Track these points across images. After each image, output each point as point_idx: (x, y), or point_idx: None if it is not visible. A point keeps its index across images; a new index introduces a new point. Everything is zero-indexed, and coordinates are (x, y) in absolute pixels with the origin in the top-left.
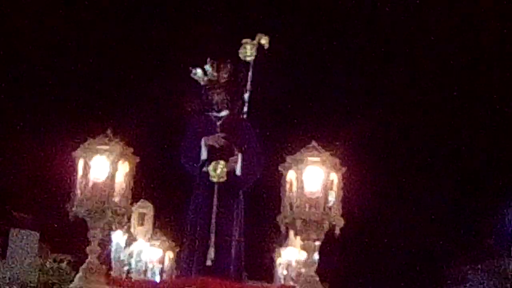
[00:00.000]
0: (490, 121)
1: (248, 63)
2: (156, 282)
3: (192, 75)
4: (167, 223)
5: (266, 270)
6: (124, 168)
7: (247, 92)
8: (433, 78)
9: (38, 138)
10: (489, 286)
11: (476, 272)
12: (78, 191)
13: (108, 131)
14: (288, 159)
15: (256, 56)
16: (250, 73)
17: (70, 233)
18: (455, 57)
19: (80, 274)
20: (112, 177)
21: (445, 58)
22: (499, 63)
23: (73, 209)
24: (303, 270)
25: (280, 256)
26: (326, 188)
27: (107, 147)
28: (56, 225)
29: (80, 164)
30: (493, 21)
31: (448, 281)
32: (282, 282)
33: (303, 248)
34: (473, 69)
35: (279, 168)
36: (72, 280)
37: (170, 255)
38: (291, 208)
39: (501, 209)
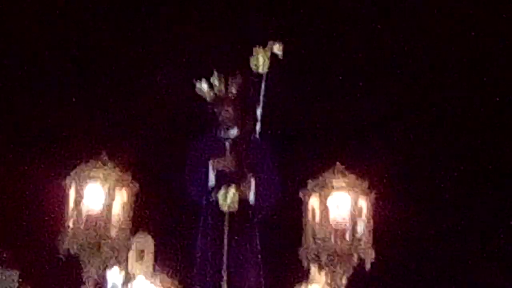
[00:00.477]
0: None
1: (260, 74)
2: None
3: (196, 89)
4: (170, 259)
5: None
6: (121, 197)
7: (260, 107)
8: (464, 95)
9: (19, 165)
10: None
11: None
12: (70, 224)
13: (103, 155)
14: (310, 183)
15: (269, 66)
16: (262, 86)
17: (52, 273)
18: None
19: None
20: (108, 207)
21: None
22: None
23: (64, 244)
24: None
25: None
26: (354, 216)
27: (101, 172)
28: (37, 263)
29: (72, 192)
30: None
31: None
32: None
33: (329, 285)
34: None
35: (300, 194)
36: None
37: None
38: (314, 240)
39: None
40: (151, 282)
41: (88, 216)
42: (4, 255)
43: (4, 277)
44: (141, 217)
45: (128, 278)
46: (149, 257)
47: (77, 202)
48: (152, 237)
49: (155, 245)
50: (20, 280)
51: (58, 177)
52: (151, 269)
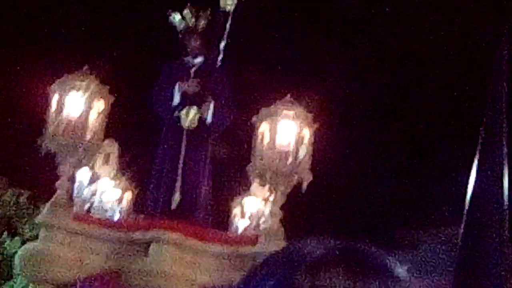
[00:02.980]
0: (446, 94)
1: (227, 12)
2: (120, 221)
3: (170, 19)
4: (131, 165)
5: (222, 218)
6: (98, 106)
7: (224, 41)
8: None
9: (6, 67)
10: (440, 251)
11: (429, 237)
12: (51, 126)
13: (85, 68)
14: (262, 111)
15: (236, 5)
16: (228, 23)
17: (31, 168)
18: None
19: (47, 208)
20: (86, 114)
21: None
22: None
23: (45, 143)
24: (262, 220)
25: (239, 205)
26: (298, 143)
27: (83, 83)
28: (16, 160)
29: (55, 99)
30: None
31: (402, 244)
32: (239, 231)
33: (271, 199)
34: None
35: (253, 119)
36: (30, 215)
37: (128, 196)
38: (261, 159)
39: (455, 180)
40: (114, 184)
41: (68, 121)
42: None
43: None
44: (112, 125)
45: (94, 178)
46: (114, 161)
47: (59, 108)
48: (119, 144)
49: (120, 151)
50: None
51: (44, 85)
52: (114, 172)
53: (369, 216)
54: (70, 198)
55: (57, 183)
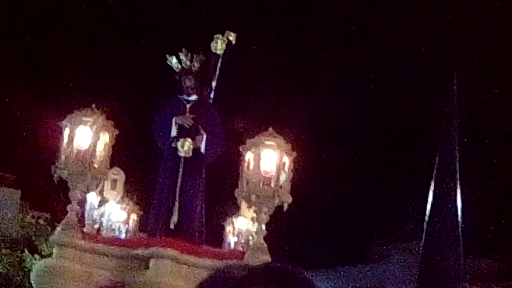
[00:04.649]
0: (414, 108)
1: (218, 55)
2: (124, 239)
3: (168, 62)
4: (136, 189)
5: (216, 237)
6: (104, 138)
7: (215, 80)
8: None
9: (27, 105)
10: (409, 264)
11: (399, 251)
12: (63, 156)
13: (93, 105)
14: (248, 142)
15: (225, 50)
16: (219, 64)
17: (48, 193)
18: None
19: (59, 228)
20: (94, 145)
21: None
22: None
23: (58, 171)
24: (250, 238)
25: (230, 224)
26: (279, 169)
27: (91, 118)
28: (36, 185)
29: (66, 132)
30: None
31: (373, 258)
32: (232, 247)
33: (256, 219)
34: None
35: (240, 149)
36: (48, 234)
37: (134, 217)
38: (247, 184)
39: (421, 196)
40: (120, 207)
41: (78, 151)
42: (8, 176)
43: (7, 196)
44: (117, 155)
45: (102, 202)
46: (120, 187)
47: (70, 140)
48: (124, 171)
49: (126, 178)
50: (21, 198)
51: (57, 119)
52: (120, 196)
53: (342, 232)
54: (80, 219)
55: (68, 206)
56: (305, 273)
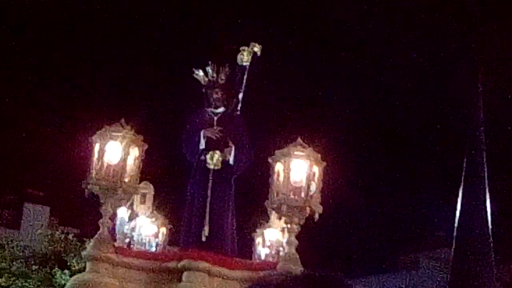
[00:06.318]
0: (444, 120)
1: (244, 67)
2: (156, 252)
3: (194, 75)
4: (165, 203)
5: (246, 249)
6: (134, 153)
7: (242, 92)
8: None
9: (57, 122)
10: (438, 272)
11: (428, 260)
12: (94, 171)
13: (122, 120)
14: (277, 152)
15: (251, 61)
16: (245, 76)
17: (77, 210)
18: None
19: (92, 243)
20: (123, 160)
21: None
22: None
23: (89, 186)
24: (281, 249)
25: (260, 236)
26: (309, 179)
27: (120, 133)
28: (65, 202)
29: (96, 148)
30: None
31: (403, 266)
32: (262, 258)
33: (287, 230)
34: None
35: (269, 160)
36: (78, 250)
37: (163, 231)
38: (277, 195)
39: (450, 205)
40: (150, 221)
41: (108, 166)
42: (38, 193)
43: (37, 213)
44: (147, 169)
45: (132, 216)
46: (150, 201)
47: (100, 155)
48: (153, 185)
49: (155, 192)
50: (50, 215)
51: (86, 135)
52: (150, 210)
53: (372, 241)
54: (112, 234)
55: (100, 221)
56: (346, 280)
